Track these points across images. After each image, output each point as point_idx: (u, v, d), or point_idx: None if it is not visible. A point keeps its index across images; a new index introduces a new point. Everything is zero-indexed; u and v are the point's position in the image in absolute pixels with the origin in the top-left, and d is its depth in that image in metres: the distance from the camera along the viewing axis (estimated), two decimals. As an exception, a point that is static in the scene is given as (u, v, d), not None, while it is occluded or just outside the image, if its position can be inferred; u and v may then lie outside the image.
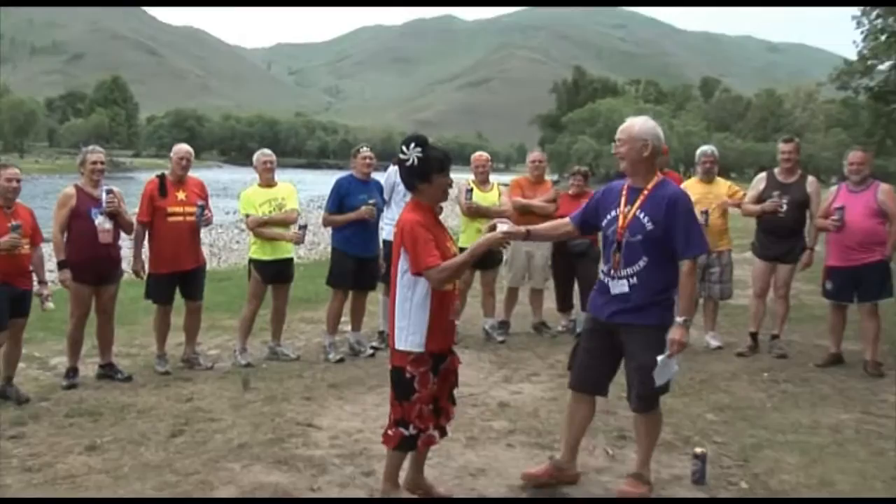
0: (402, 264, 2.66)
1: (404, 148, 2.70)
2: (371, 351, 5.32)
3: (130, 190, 9.42)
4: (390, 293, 2.79)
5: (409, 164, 2.68)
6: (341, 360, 5.09)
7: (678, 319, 2.71)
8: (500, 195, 5.78)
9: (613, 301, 2.85)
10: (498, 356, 5.28)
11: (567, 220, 3.13)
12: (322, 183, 51.08)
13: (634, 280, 2.80)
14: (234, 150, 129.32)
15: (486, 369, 4.88)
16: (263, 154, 5.13)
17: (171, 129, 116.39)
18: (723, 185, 5.55)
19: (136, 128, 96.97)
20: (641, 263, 2.79)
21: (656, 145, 2.87)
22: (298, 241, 4.98)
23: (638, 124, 2.89)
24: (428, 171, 2.69)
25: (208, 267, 5.62)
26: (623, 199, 2.89)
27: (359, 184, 5.17)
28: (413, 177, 2.70)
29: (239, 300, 7.20)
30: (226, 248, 14.62)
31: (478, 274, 5.94)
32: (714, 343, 5.53)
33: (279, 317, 5.29)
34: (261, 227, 4.97)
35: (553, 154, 59.05)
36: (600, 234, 3.06)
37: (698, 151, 5.56)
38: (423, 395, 2.71)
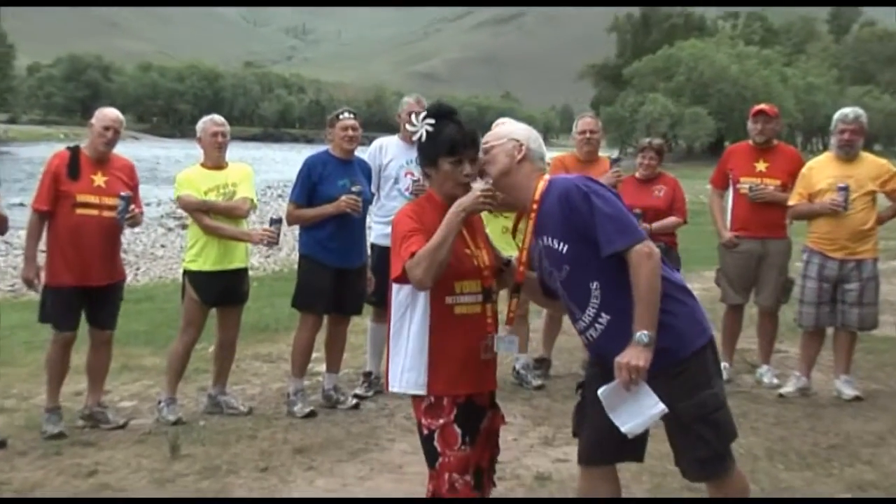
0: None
1: (414, 118, 2.88)
2: (354, 401, 5.37)
3: (4, 171, 9.47)
4: (386, 318, 2.91)
5: (417, 139, 2.88)
6: (312, 415, 5.14)
7: (634, 336, 2.66)
8: None
9: (602, 354, 2.86)
10: (534, 408, 5.33)
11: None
12: (284, 162, 51.75)
13: (601, 323, 2.81)
14: (157, 114, 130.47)
15: (517, 427, 4.91)
16: (214, 122, 5.23)
17: (64, 84, 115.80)
18: (871, 165, 5.52)
19: (10, 81, 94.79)
20: (597, 294, 2.78)
21: (532, 148, 2.96)
22: (271, 241, 5.04)
23: (506, 124, 3.09)
24: (434, 153, 2.85)
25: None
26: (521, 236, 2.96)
27: (337, 164, 5.24)
28: (420, 157, 2.92)
29: (166, 329, 7.31)
30: (146, 256, 14.64)
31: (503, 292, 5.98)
32: (849, 392, 5.51)
33: (225, 353, 5.36)
34: (205, 216, 5.03)
35: (612, 120, 59.21)
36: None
37: (836, 116, 5.55)
38: (451, 461, 2.80)
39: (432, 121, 2.84)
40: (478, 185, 2.80)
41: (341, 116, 5.27)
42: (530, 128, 3.08)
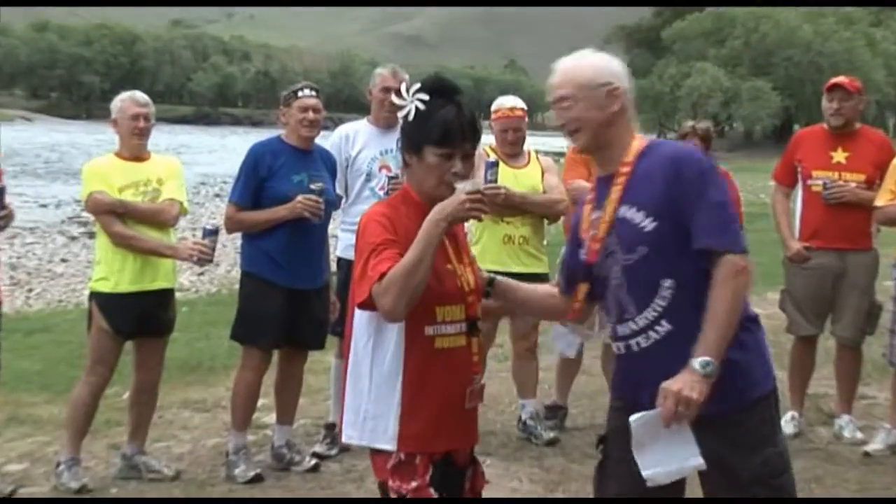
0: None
1: (404, 89, 2.92)
2: (312, 461, 5.39)
3: None
4: (344, 347, 2.99)
5: (404, 116, 2.93)
6: (258, 479, 5.15)
7: (693, 362, 2.70)
8: (543, 174, 5.95)
9: (642, 374, 2.90)
10: (545, 470, 5.35)
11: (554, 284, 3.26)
12: (222, 151, 51.61)
13: (657, 332, 2.86)
14: (56, 88, 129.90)
15: (523, 493, 4.91)
16: (134, 101, 5.26)
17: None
18: None
19: None
20: (666, 294, 2.84)
21: (627, 90, 2.96)
22: (203, 257, 5.06)
23: (588, 61, 2.99)
24: (419, 138, 2.89)
25: (6, 307, 5.69)
26: (589, 205, 3.04)
27: (293, 155, 5.28)
28: (403, 140, 2.96)
29: (67, 369, 7.25)
30: (41, 273, 14.66)
31: (504, 319, 6.01)
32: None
33: (145, 400, 5.36)
34: (117, 222, 5.05)
35: (646, 97, 59.62)
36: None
37: None
38: None
39: (426, 96, 2.87)
40: (464, 187, 2.82)
41: (299, 94, 5.30)
42: (618, 60, 3.04)
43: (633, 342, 2.90)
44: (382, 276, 2.72)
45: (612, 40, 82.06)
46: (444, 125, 2.85)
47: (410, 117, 2.89)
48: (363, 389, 2.88)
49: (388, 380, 2.86)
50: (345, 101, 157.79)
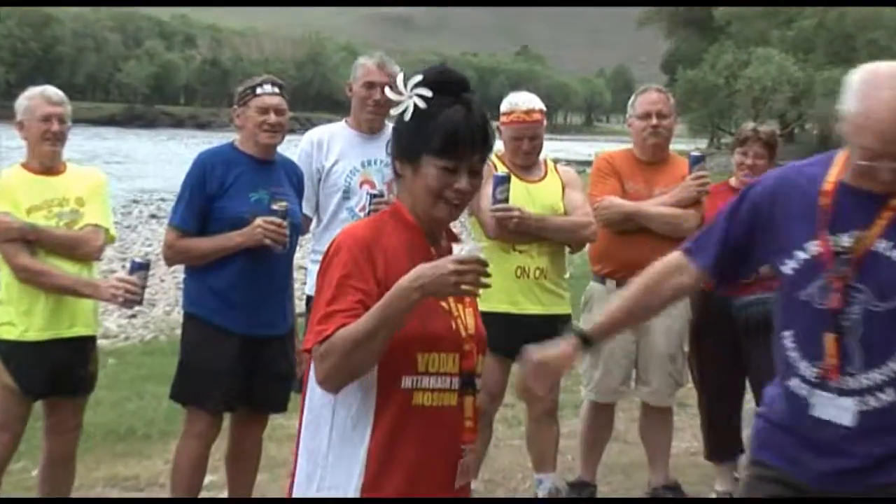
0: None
1: (400, 82, 2.94)
2: (273, 555, 5.37)
3: None
4: (300, 404, 3.03)
5: (399, 116, 2.95)
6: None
7: None
8: (564, 190, 5.96)
9: (836, 445, 3.02)
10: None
11: (679, 257, 3.42)
12: (160, 160, 51.15)
13: (885, 399, 2.98)
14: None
15: None
16: (45, 99, 5.27)
17: None
18: None
19: None
20: None
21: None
22: (132, 298, 5.03)
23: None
24: (418, 145, 2.90)
25: None
26: (830, 216, 3.11)
27: (250, 167, 5.31)
28: (395, 146, 2.99)
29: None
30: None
31: (515, 371, 6.01)
32: None
33: (59, 476, 5.34)
34: (23, 253, 5.04)
35: (695, 92, 59.73)
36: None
37: None
38: None
39: (428, 91, 2.89)
40: (459, 251, 2.82)
41: (258, 90, 5.31)
42: None
43: (839, 401, 2.98)
44: (334, 330, 2.74)
45: (651, 21, 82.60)
46: (450, 130, 2.86)
47: (407, 117, 2.90)
48: (319, 450, 2.89)
49: (351, 441, 2.87)
50: (315, 97, 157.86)
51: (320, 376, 2.79)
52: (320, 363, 2.76)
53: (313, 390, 2.91)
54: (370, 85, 5.62)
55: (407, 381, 2.84)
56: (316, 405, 2.91)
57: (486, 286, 2.80)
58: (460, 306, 2.97)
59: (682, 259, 3.40)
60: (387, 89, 2.98)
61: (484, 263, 2.77)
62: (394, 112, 2.94)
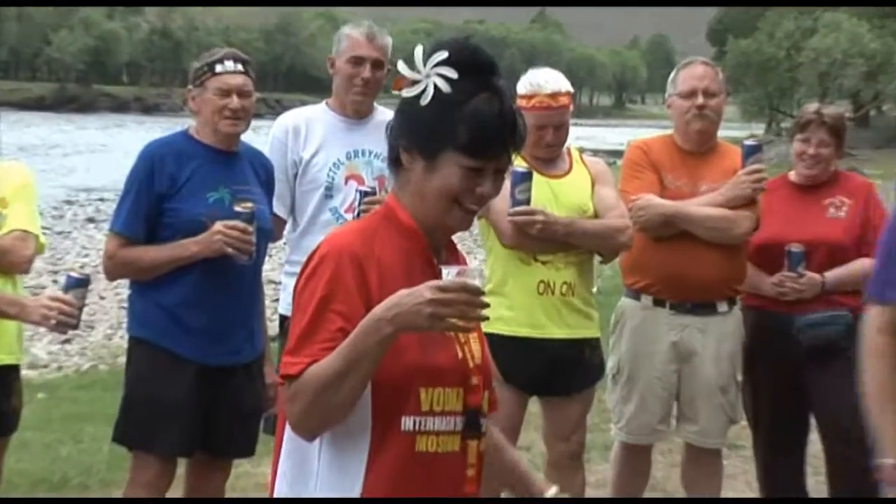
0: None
1: (419, 57, 2.93)
2: None
3: None
4: (275, 445, 3.07)
5: (414, 98, 2.93)
6: None
7: None
8: (593, 186, 5.93)
9: None
10: None
11: (881, 326, 3.50)
12: (100, 152, 51.20)
13: None
14: None
15: None
16: None
17: None
18: None
19: None
20: None
21: None
22: (65, 321, 4.95)
23: None
24: (438, 138, 2.91)
25: None
26: None
27: (209, 159, 5.32)
28: (402, 133, 2.98)
29: None
30: None
31: (534, 407, 6.06)
32: None
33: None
34: None
35: (748, 66, 59.85)
36: None
37: None
38: None
39: (453, 72, 2.87)
40: (448, 276, 2.78)
41: (217, 68, 5.29)
42: None
43: None
44: (298, 374, 2.77)
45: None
46: (481, 124, 2.86)
47: (425, 101, 2.88)
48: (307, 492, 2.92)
49: (338, 492, 2.89)
50: (287, 74, 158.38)
51: (290, 420, 2.84)
52: (289, 405, 2.81)
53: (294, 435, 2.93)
54: (358, 60, 5.63)
55: (408, 423, 2.87)
56: (294, 449, 2.94)
57: (479, 319, 2.81)
58: (467, 340, 2.98)
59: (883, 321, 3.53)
60: (400, 64, 2.95)
61: (474, 291, 2.75)
62: (407, 93, 2.93)
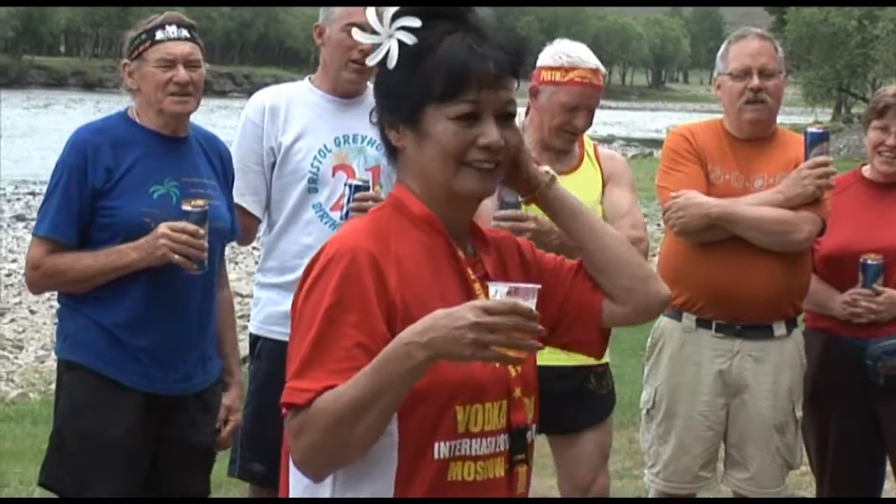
0: None
1: (373, 18, 2.98)
2: None
3: None
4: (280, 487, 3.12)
5: (381, 65, 3.00)
6: None
7: None
8: (604, 186, 5.95)
9: None
10: None
11: None
12: (29, 135, 50.90)
13: None
14: None
15: None
16: None
17: None
18: None
19: None
20: None
21: None
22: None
23: None
24: (412, 94, 2.98)
25: None
26: None
27: (152, 146, 5.34)
28: (383, 108, 3.07)
29: None
30: None
31: (541, 447, 6.08)
32: None
33: None
34: None
35: (815, 39, 59.90)
36: None
37: None
38: None
39: (415, 21, 2.91)
40: (496, 295, 2.78)
41: (158, 34, 5.30)
42: None
43: None
44: (305, 404, 2.78)
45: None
46: (454, 61, 2.89)
47: (392, 63, 2.92)
48: None
49: None
50: (258, 46, 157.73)
51: (296, 457, 2.86)
52: (295, 439, 2.83)
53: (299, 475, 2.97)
54: (352, 28, 5.46)
55: (443, 449, 2.90)
56: (303, 486, 2.95)
57: (529, 350, 2.79)
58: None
59: None
60: (355, 31, 3.04)
61: (527, 315, 2.73)
62: (370, 62, 2.97)
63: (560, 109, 5.75)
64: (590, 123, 5.89)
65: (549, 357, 5.46)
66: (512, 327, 2.69)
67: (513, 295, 2.75)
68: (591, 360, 5.60)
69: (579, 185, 5.67)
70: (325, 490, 2.93)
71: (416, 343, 2.70)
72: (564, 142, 5.85)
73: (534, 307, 2.75)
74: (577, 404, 5.83)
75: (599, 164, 5.94)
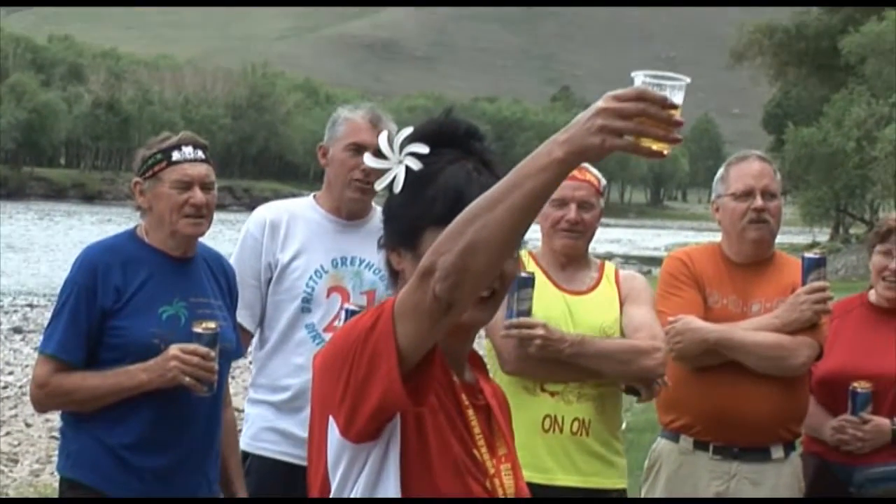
0: (333, 440, 2.92)
1: (384, 143, 2.99)
2: None
3: None
4: None
5: (389, 191, 3.02)
6: None
7: None
8: (622, 306, 5.87)
9: None
10: None
11: None
12: (30, 250, 50.58)
13: None
14: None
15: None
16: None
17: None
18: None
19: None
20: None
21: None
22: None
23: None
24: (414, 216, 3.01)
25: None
26: None
27: (162, 267, 5.34)
28: (390, 232, 3.09)
29: None
30: None
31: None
32: None
33: None
34: None
35: (814, 158, 59.73)
36: None
37: None
38: None
39: (423, 148, 2.94)
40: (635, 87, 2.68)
41: (175, 155, 5.31)
42: None
43: None
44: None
45: (747, 57, 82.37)
46: (456, 188, 2.91)
47: (398, 187, 2.94)
48: None
49: None
50: (258, 159, 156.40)
51: (437, 288, 2.69)
52: (440, 281, 2.69)
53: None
54: (359, 148, 5.53)
55: None
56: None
57: (667, 140, 2.68)
58: (495, 460, 3.00)
59: None
60: (366, 156, 3.00)
61: (660, 102, 2.65)
62: (378, 187, 2.98)
63: (550, 208, 5.61)
64: (590, 224, 5.75)
65: (563, 477, 5.55)
66: (642, 113, 2.64)
67: (659, 87, 2.68)
68: (607, 484, 5.62)
69: (595, 306, 5.73)
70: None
71: (557, 140, 2.67)
72: (567, 245, 5.73)
73: (679, 101, 2.67)
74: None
75: (618, 285, 5.85)
